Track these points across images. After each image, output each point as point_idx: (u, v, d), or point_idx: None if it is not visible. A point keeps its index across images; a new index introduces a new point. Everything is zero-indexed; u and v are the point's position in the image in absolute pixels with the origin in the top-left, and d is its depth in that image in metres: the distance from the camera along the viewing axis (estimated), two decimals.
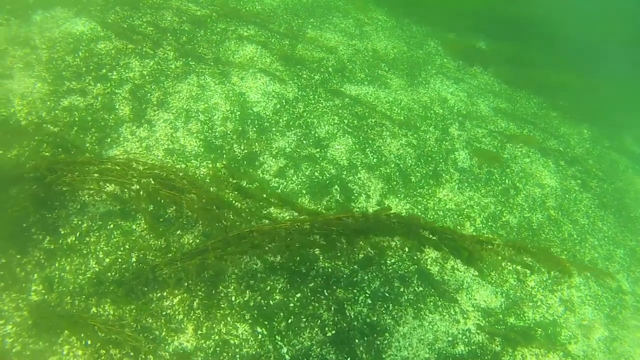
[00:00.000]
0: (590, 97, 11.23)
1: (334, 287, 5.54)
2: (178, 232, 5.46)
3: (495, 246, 6.59)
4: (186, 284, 5.05)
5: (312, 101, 7.97)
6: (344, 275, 5.69)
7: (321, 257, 5.73)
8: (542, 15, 11.48)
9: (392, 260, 6.05)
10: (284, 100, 7.69)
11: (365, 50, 9.75)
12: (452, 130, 8.70)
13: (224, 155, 6.49)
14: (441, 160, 8.02)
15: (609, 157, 10.08)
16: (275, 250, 5.45)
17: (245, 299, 5.16)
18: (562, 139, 9.80)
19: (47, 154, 5.72)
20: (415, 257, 6.19)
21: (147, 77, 7.24)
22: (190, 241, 5.40)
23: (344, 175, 6.95)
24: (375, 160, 7.42)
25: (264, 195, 6.09)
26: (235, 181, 6.16)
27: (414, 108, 8.79)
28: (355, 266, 5.84)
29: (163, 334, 4.72)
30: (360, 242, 6.03)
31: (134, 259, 5.12)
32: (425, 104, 8.99)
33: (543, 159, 9.08)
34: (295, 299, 5.31)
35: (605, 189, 9.10)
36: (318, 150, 7.17)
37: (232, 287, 5.19)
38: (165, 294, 4.95)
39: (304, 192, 6.44)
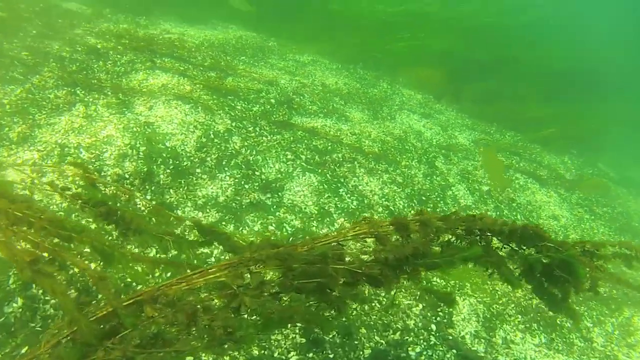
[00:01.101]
0: (562, 128, 10.03)
1: None
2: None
3: None
4: None
5: (253, 134, 5.66)
6: None
7: None
8: (501, 54, 10.60)
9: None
10: (211, 133, 5.31)
11: (313, 85, 7.86)
12: (439, 164, 6.69)
13: (117, 212, 3.80)
14: (439, 199, 5.84)
15: (599, 183, 8.60)
16: None
17: None
18: (550, 169, 8.15)
19: None
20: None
21: (8, 107, 4.65)
22: None
23: (314, 227, 4.47)
24: (355, 203, 5.05)
25: (187, 271, 3.38)
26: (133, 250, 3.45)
27: (388, 141, 6.76)
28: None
29: None
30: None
31: None
32: (399, 137, 7.02)
33: (543, 189, 7.27)
34: None
35: (612, 214, 7.41)
36: (269, 196, 4.71)
37: None
38: None
39: None
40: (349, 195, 5.13)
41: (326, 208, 4.78)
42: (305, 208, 4.67)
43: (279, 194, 4.77)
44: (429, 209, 5.55)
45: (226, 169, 4.88)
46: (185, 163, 4.71)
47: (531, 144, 8.92)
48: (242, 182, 4.76)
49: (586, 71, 10.44)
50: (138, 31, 7.65)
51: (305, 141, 5.92)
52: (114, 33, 7.15)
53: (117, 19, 7.97)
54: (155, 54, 6.83)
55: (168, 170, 4.53)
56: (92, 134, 4.64)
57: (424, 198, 5.76)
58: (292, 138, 5.90)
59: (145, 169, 4.43)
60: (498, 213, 6.14)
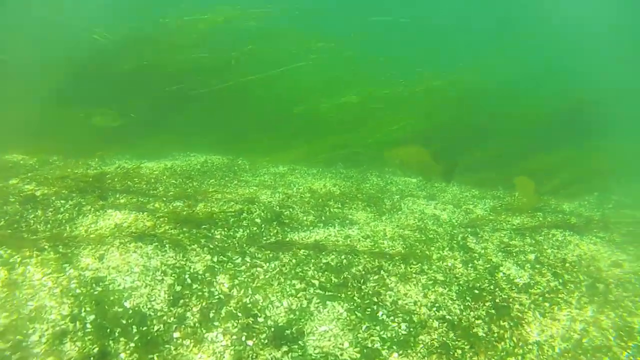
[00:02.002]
0: (564, 172, 9.26)
1: None
2: None
3: None
4: None
5: (243, 267, 4.38)
6: None
7: None
8: (486, 115, 10.19)
9: None
10: (187, 277, 4.02)
11: (299, 193, 6.84)
12: (473, 245, 5.48)
13: None
14: (492, 287, 4.54)
15: (626, 214, 7.62)
16: None
17: None
18: (576, 215, 7.11)
19: None
20: None
21: None
22: None
23: None
24: (403, 325, 3.69)
25: None
26: None
27: (407, 235, 5.58)
28: None
29: None
30: None
31: None
32: (417, 227, 5.87)
33: (585, 237, 6.13)
34: None
35: None
36: (285, 349, 3.31)
37: None
38: None
39: None
40: (391, 318, 3.77)
41: (370, 345, 3.39)
42: (342, 355, 3.27)
43: (300, 342, 3.38)
44: (488, 305, 4.22)
45: (217, 323, 3.51)
46: (156, 327, 3.34)
47: (545, 197, 7.95)
48: (244, 338, 3.37)
49: (578, 109, 10.08)
50: (88, 172, 6.67)
51: (312, 261, 4.67)
52: (58, 177, 6.10)
53: (66, 164, 7.03)
54: (106, 192, 5.74)
55: (132, 344, 3.13)
56: (11, 310, 3.28)
57: (476, 291, 4.45)
58: (294, 261, 4.65)
59: (97, 349, 3.02)
60: (560, 280, 4.84)
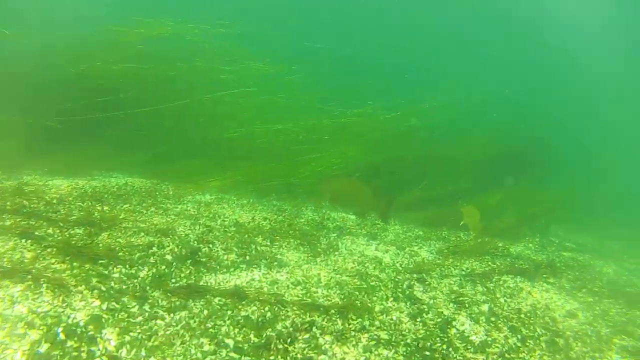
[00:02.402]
0: (508, 212, 9.05)
1: None
2: None
3: None
4: None
5: (140, 318, 3.30)
6: None
7: None
8: (427, 152, 9.85)
9: None
10: (61, 331, 2.88)
11: (224, 226, 5.84)
12: (420, 295, 4.77)
13: None
14: (446, 347, 3.80)
15: (570, 257, 7.45)
16: None
17: None
18: (524, 258, 6.74)
19: None
20: None
21: None
22: None
23: None
24: None
25: None
26: None
27: (345, 282, 4.74)
28: None
29: None
30: None
31: None
32: (356, 272, 5.06)
33: (536, 284, 5.69)
34: None
35: (605, 285, 6.21)
36: None
37: None
38: None
39: None
40: None
41: None
42: None
43: None
44: None
45: None
46: None
47: (491, 239, 7.55)
48: None
49: (524, 149, 10.04)
50: None
51: (229, 313, 3.67)
52: None
53: None
54: None
55: None
56: None
57: (427, 353, 3.67)
58: (206, 312, 3.63)
59: None
60: (519, 336, 4.21)
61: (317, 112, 10.05)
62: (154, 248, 4.66)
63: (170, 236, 5.09)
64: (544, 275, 6.04)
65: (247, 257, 4.95)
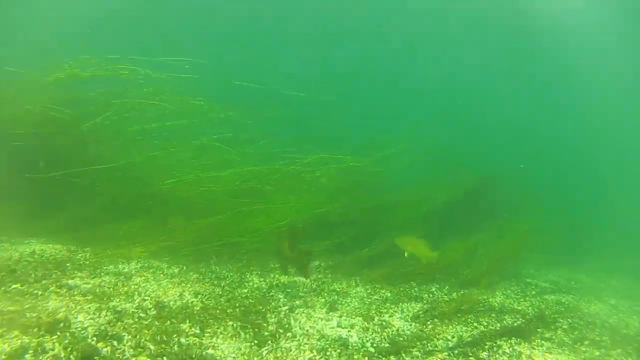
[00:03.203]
0: (476, 259, 8.21)
1: None
2: None
3: None
4: None
5: None
6: None
7: None
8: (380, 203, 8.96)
9: None
10: None
11: (140, 309, 4.37)
12: None
13: None
14: None
15: (554, 301, 6.56)
16: None
17: None
18: (508, 310, 5.76)
19: None
20: None
21: None
22: None
23: None
24: None
25: None
26: None
27: None
28: None
29: None
30: None
31: None
32: None
33: (533, 343, 4.67)
34: None
35: (598, 335, 5.30)
36: None
37: None
38: None
39: None
40: None
41: None
42: None
43: None
44: None
45: None
46: None
47: (468, 292, 6.58)
48: None
49: (478, 191, 9.38)
50: None
51: None
52: None
53: None
54: None
55: None
56: None
57: None
58: None
59: None
60: None
61: (269, 163, 8.99)
62: (27, 356, 3.19)
63: (59, 332, 3.62)
64: (538, 330, 5.07)
65: (165, 359, 3.57)
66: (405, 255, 5.69)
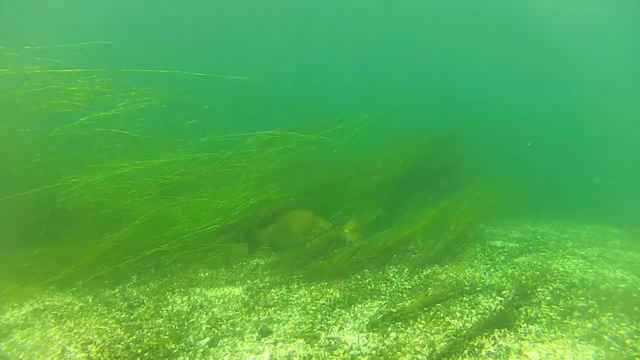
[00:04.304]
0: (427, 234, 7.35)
1: None
2: None
3: None
4: None
5: None
6: None
7: None
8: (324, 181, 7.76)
9: None
10: None
11: None
12: None
13: None
14: None
15: (526, 265, 5.77)
16: None
17: None
18: (481, 287, 4.89)
19: None
20: None
21: None
22: None
23: None
24: None
25: None
26: None
27: None
28: None
29: None
30: None
31: None
32: None
33: (521, 329, 3.78)
34: None
35: (599, 296, 4.51)
36: None
37: None
38: None
39: None
40: None
41: None
42: None
43: None
44: None
45: None
46: None
47: (432, 272, 5.64)
48: None
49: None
50: None
51: None
52: None
53: None
54: None
55: None
56: None
57: None
58: None
59: None
60: None
61: (183, 147, 7.50)
62: None
63: None
64: (521, 309, 4.21)
65: None
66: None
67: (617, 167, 13.30)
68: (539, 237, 7.76)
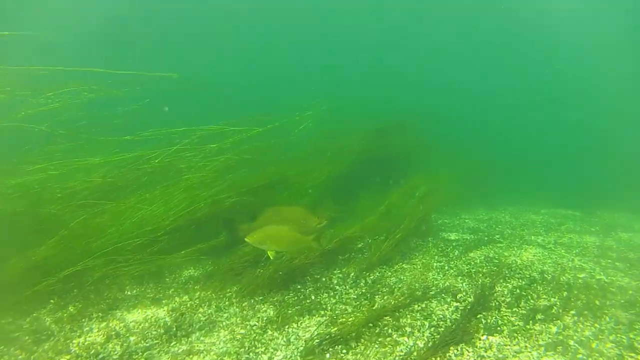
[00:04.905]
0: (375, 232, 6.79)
1: None
2: None
3: None
4: None
5: None
6: None
7: None
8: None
9: None
10: None
11: None
12: None
13: None
14: None
15: (482, 260, 5.38)
16: None
17: None
18: (438, 290, 4.37)
19: None
20: None
21: None
22: None
23: None
24: None
25: None
26: None
27: None
28: None
29: None
30: None
31: None
32: None
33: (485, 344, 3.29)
34: None
35: (559, 290, 4.08)
36: None
37: None
38: None
39: None
40: None
41: None
42: None
43: None
44: None
45: None
46: None
47: (382, 275, 5.06)
48: None
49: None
50: None
51: None
52: None
53: None
54: None
55: None
56: None
57: None
58: None
59: None
60: None
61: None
62: None
63: None
64: (479, 317, 3.70)
65: None
66: (271, 258, 3.91)
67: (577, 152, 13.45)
68: (494, 225, 7.41)
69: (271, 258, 3.94)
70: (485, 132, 14.83)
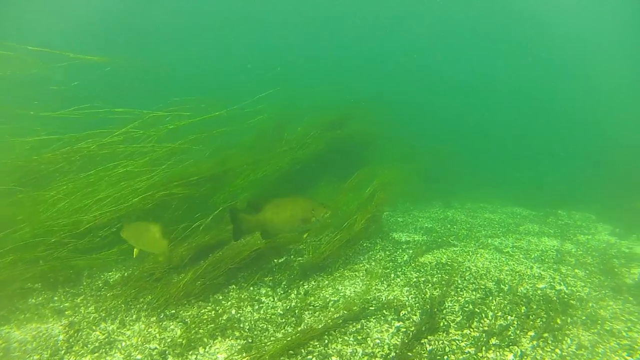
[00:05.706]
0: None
1: None
2: None
3: None
4: None
5: None
6: None
7: None
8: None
9: None
10: None
11: None
12: None
13: None
14: None
15: (433, 266, 4.85)
16: None
17: None
18: (385, 307, 3.84)
19: None
20: None
21: None
22: None
23: None
24: None
25: None
26: None
27: None
28: None
29: None
30: None
31: None
32: None
33: None
34: None
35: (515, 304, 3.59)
36: None
37: None
38: None
39: None
40: None
41: None
42: None
43: None
44: None
45: None
46: None
47: (313, 282, 4.41)
48: None
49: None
50: None
51: None
52: None
53: None
54: None
55: None
56: None
57: None
58: None
59: None
60: None
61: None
62: None
63: None
64: (424, 342, 3.10)
65: None
66: (134, 256, 3.39)
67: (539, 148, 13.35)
68: (449, 225, 6.92)
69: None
70: (452, 126, 14.57)
